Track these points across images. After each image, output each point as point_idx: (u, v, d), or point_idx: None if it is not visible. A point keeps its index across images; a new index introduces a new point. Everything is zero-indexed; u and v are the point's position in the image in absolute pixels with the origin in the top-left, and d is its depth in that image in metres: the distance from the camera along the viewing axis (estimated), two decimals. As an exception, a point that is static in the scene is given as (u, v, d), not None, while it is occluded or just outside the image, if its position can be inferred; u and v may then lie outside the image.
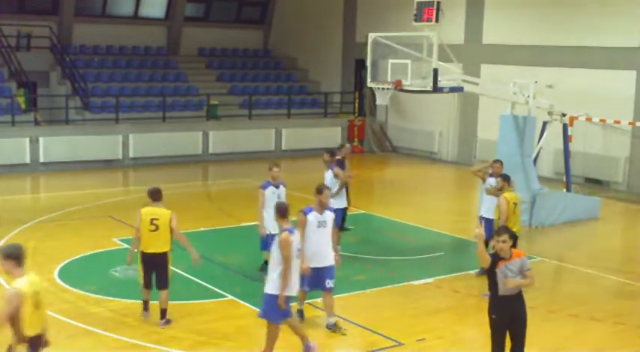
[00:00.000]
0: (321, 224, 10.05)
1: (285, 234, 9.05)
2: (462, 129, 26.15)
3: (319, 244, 10.06)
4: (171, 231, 10.21)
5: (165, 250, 10.25)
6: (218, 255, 13.91)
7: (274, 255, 9.09)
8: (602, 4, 21.83)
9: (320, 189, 10.16)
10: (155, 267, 10.27)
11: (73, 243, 14.46)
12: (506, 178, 12.42)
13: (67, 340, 9.77)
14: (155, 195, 10.33)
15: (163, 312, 10.35)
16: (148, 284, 10.36)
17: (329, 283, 10.16)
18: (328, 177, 13.83)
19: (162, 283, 10.33)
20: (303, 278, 9.83)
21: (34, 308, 6.89)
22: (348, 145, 16.94)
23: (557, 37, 22.78)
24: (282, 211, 9.30)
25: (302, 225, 9.96)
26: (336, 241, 10.52)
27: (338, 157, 15.96)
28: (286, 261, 8.97)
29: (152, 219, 10.09)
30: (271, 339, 9.23)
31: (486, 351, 8.68)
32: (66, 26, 28.07)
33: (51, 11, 27.98)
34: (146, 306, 10.57)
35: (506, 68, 23.20)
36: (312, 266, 10.00)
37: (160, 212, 10.22)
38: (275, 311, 9.09)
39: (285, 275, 8.98)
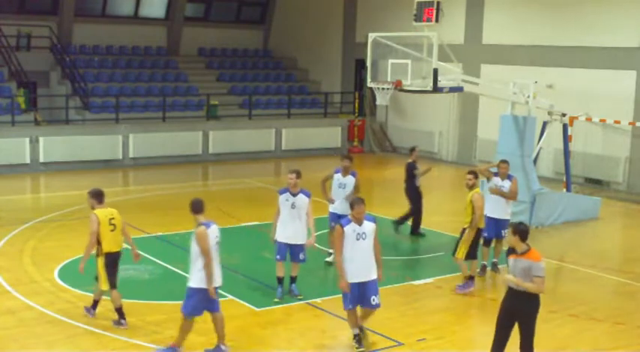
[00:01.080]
0: (360, 236, 9.32)
1: (201, 228, 9.14)
2: (462, 129, 26.15)
3: (360, 258, 9.34)
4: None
5: (121, 247, 10.44)
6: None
7: (194, 249, 9.19)
8: (602, 4, 21.83)
9: (351, 205, 9.51)
10: (117, 266, 10.38)
11: (73, 243, 14.45)
12: (477, 175, 12.45)
13: (67, 340, 9.78)
14: (102, 197, 10.42)
15: (121, 309, 10.35)
16: (115, 285, 10.34)
17: (374, 299, 9.46)
18: (349, 182, 13.16)
19: (117, 280, 10.45)
20: (345, 295, 9.42)
21: None
22: (417, 147, 16.14)
23: (557, 37, 22.78)
24: (195, 206, 9.33)
25: (339, 237, 9.34)
26: (378, 254, 9.63)
27: (410, 160, 15.71)
28: (206, 253, 9.07)
29: (110, 219, 10.25)
30: (184, 333, 9.37)
31: (486, 351, 8.69)
32: (66, 26, 28.07)
33: (51, 11, 27.98)
34: (122, 312, 10.35)
35: (506, 68, 23.21)
36: (354, 281, 9.35)
37: (112, 211, 10.41)
38: (201, 304, 9.22)
39: (208, 268, 9.08)
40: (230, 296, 11.57)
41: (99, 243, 10.13)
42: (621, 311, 11.63)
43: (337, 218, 12.92)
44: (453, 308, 11.60)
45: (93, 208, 10.28)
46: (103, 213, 10.24)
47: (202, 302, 9.24)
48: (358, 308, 9.65)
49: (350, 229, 9.31)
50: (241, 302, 11.39)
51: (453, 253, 12.26)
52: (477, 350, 10.12)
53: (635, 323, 11.06)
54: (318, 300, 11.47)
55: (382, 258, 9.75)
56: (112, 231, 10.21)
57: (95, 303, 10.58)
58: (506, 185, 13.29)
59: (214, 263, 9.20)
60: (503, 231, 13.14)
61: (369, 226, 9.42)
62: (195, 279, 9.18)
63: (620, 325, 10.97)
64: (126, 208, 17.81)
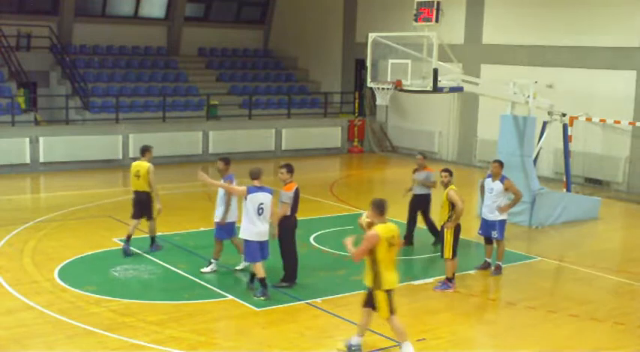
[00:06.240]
0: None
1: None
2: (462, 129, 26.15)
3: None
4: None
5: None
6: (218, 255, 13.88)
7: None
8: (601, 4, 21.83)
9: None
10: None
11: (73, 243, 14.46)
12: (451, 173, 12.44)
13: (67, 340, 9.78)
14: None
15: None
16: None
17: None
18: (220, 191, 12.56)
19: None
20: None
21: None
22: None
23: (557, 37, 22.78)
24: None
25: None
26: None
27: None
28: None
29: None
30: None
31: (486, 351, 8.68)
32: (66, 26, 28.07)
33: (51, 11, 27.98)
34: None
35: (506, 68, 23.21)
36: None
37: None
38: None
39: None
40: (230, 296, 11.57)
41: None
42: (621, 311, 11.63)
43: None
44: (453, 308, 11.59)
45: None
46: None
47: None
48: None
49: None
50: (241, 302, 11.39)
51: (442, 255, 12.36)
52: (477, 350, 10.12)
53: (635, 323, 11.06)
54: (318, 300, 11.46)
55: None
56: None
57: None
58: (495, 187, 13.21)
59: None
60: (492, 232, 13.24)
61: None
62: None
63: (620, 325, 10.96)
64: (126, 208, 17.83)
